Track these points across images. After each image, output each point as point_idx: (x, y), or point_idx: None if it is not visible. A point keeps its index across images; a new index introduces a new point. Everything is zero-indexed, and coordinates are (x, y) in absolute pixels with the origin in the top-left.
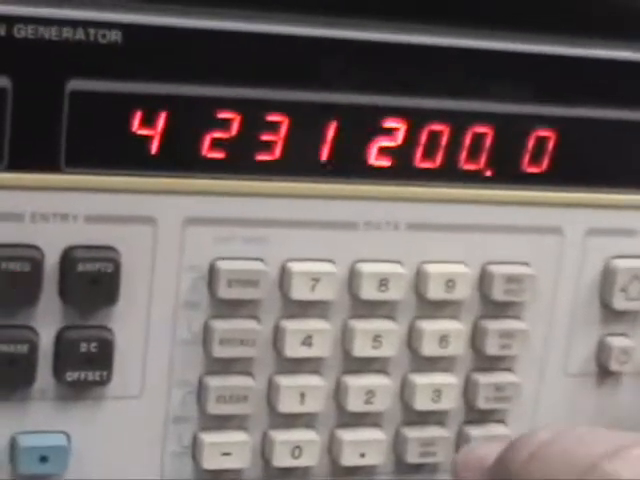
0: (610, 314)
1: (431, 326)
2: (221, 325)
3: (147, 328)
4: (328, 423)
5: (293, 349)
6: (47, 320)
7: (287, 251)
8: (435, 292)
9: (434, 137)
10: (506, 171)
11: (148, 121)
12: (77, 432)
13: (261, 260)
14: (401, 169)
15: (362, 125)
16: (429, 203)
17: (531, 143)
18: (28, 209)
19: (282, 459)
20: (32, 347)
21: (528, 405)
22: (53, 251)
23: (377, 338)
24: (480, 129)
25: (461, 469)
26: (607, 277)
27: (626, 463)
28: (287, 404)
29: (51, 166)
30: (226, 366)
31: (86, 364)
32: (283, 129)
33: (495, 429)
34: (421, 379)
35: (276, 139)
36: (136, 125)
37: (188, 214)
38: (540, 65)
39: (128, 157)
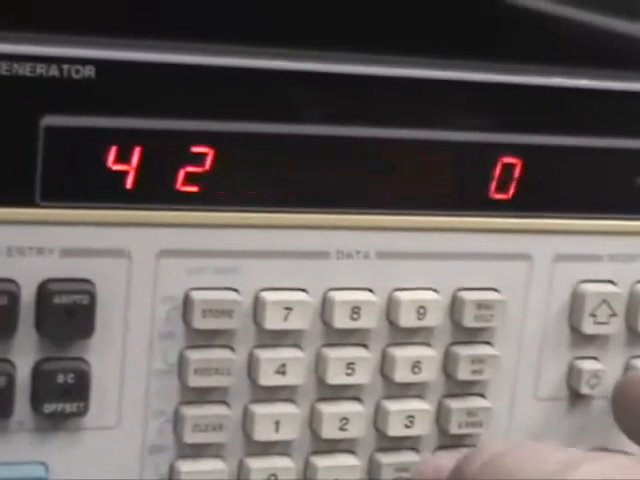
0: (580, 338)
1: (403, 353)
2: (196, 355)
3: (123, 359)
4: (303, 450)
5: (267, 378)
6: (24, 353)
7: (260, 281)
8: (407, 319)
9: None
10: (474, 199)
11: (123, 156)
12: (55, 462)
13: (235, 290)
14: (370, 199)
15: (327, 157)
16: (399, 231)
17: (497, 171)
18: (4, 243)
19: None
20: (9, 380)
21: (500, 429)
22: (29, 284)
23: (350, 365)
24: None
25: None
26: (576, 302)
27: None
28: (262, 432)
29: (27, 201)
30: (201, 395)
31: (63, 396)
32: None
33: None
34: (394, 405)
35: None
36: (111, 160)
37: (162, 246)
38: (506, 94)
39: (103, 192)
